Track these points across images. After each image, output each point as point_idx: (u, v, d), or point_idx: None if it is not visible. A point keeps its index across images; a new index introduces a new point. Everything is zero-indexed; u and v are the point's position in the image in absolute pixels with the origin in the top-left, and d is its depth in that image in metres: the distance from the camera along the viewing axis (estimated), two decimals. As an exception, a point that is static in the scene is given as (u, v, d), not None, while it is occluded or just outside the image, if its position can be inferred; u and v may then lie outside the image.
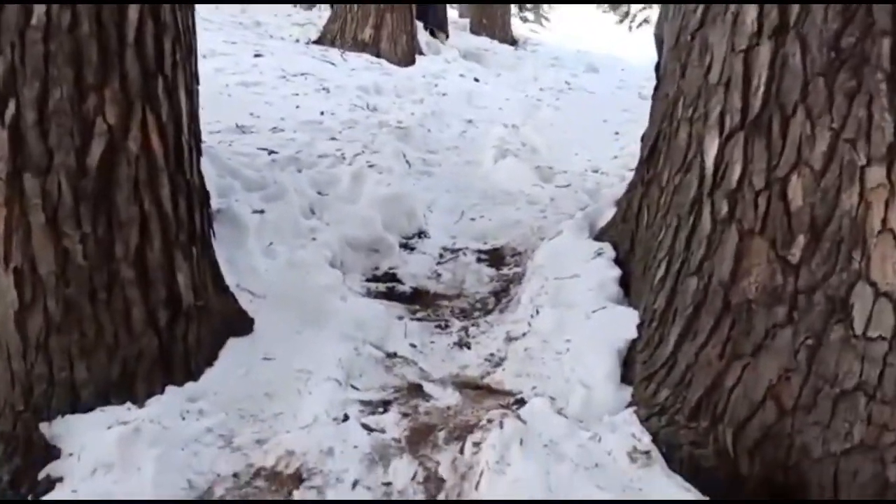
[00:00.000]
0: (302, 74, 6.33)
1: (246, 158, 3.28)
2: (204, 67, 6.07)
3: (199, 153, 2.35)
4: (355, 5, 8.10)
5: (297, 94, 5.77)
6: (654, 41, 2.61)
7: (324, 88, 6.04)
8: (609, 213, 2.60)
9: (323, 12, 9.30)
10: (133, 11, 1.97)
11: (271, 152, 3.49)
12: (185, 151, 2.17)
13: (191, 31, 2.29)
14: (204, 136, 3.82)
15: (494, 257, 2.94)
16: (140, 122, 2.01)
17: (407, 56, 8.13)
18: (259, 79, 6.05)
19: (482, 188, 3.74)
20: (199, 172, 2.30)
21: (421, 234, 3.06)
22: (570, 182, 3.70)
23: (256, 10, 9.08)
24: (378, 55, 7.95)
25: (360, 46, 7.99)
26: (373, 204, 3.00)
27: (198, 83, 2.38)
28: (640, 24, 20.60)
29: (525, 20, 26.02)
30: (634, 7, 20.30)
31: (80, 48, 1.89)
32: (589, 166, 4.27)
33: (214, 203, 2.50)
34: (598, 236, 2.53)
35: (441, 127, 5.58)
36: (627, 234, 2.36)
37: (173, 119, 2.11)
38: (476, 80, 7.87)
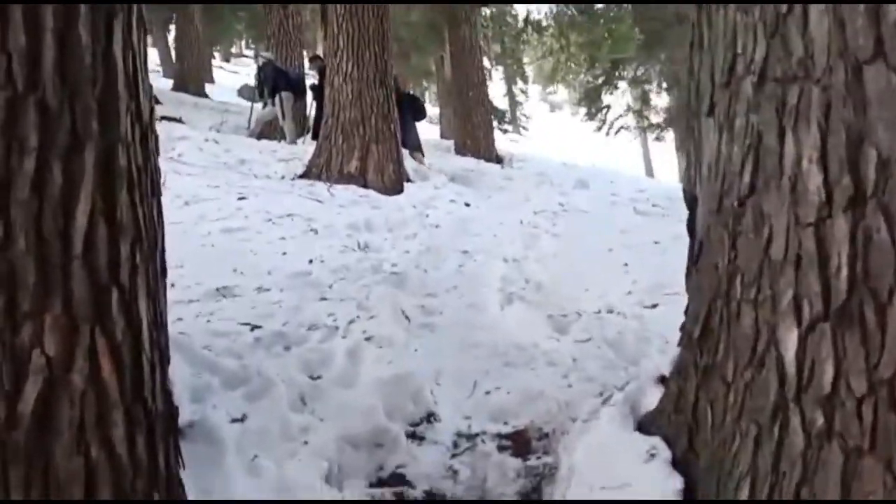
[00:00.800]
0: (288, 215, 6.06)
1: (226, 340, 2.89)
2: (186, 215, 5.82)
3: (166, 364, 1.95)
4: (340, 138, 7.99)
5: (283, 239, 5.48)
6: (682, 196, 2.30)
7: (312, 230, 5.76)
8: (652, 394, 2.20)
9: (308, 146, 9.22)
10: (82, 215, 1.62)
11: (254, 327, 3.10)
12: (146, 372, 1.77)
13: (154, 224, 1.95)
14: (181, 309, 3.49)
15: (518, 443, 2.50)
16: (87, 350, 1.62)
17: (395, 184, 7.96)
18: (243, 224, 5.77)
19: (492, 343, 3.35)
20: (166, 391, 1.89)
21: (430, 416, 2.63)
22: (590, 333, 3.31)
23: (241, 148, 8.96)
24: (365, 185, 7.77)
25: (347, 178, 7.82)
26: (373, 388, 2.59)
27: (164, 276, 2.02)
28: (617, 131, 20.96)
29: (504, 132, 26.61)
30: (611, 115, 20.72)
31: (13, 270, 1.53)
32: (603, 306, 3.90)
33: (186, 414, 2.09)
34: (645, 426, 2.11)
35: (437, 263, 5.26)
36: (684, 429, 1.95)
37: (130, 337, 1.72)
38: (467, 204, 7.67)
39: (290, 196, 6.72)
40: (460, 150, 10.87)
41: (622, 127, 19.61)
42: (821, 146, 1.64)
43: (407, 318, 3.61)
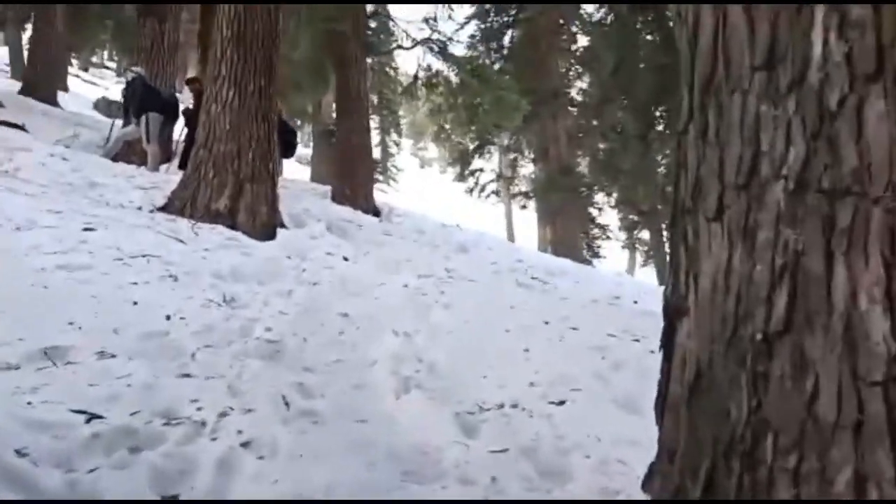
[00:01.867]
0: (143, 255, 5.21)
1: (50, 438, 2.14)
2: (16, 243, 4.84)
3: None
4: (211, 172, 7.20)
5: (135, 284, 4.65)
6: (661, 308, 1.91)
7: (170, 275, 4.95)
8: None
9: (172, 175, 8.29)
10: None
11: (92, 417, 2.35)
12: None
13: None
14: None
15: None
16: None
17: (267, 229, 7.25)
18: (87, 261, 4.87)
19: (388, 445, 2.80)
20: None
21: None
22: (503, 439, 2.84)
23: (93, 169, 7.90)
24: (234, 227, 7.01)
25: (214, 217, 7.03)
26: (252, 517, 1.96)
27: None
28: (488, 195, 21.23)
29: (376, 181, 26.25)
30: (483, 178, 20.95)
31: None
32: (507, 399, 3.46)
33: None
34: None
35: (314, 327, 4.64)
36: None
37: None
38: (345, 258, 7.09)
39: (148, 232, 5.85)
40: (337, 199, 10.28)
41: (493, 192, 19.83)
42: (885, 282, 1.30)
43: (286, 403, 2.98)
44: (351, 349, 4.37)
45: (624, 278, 10.25)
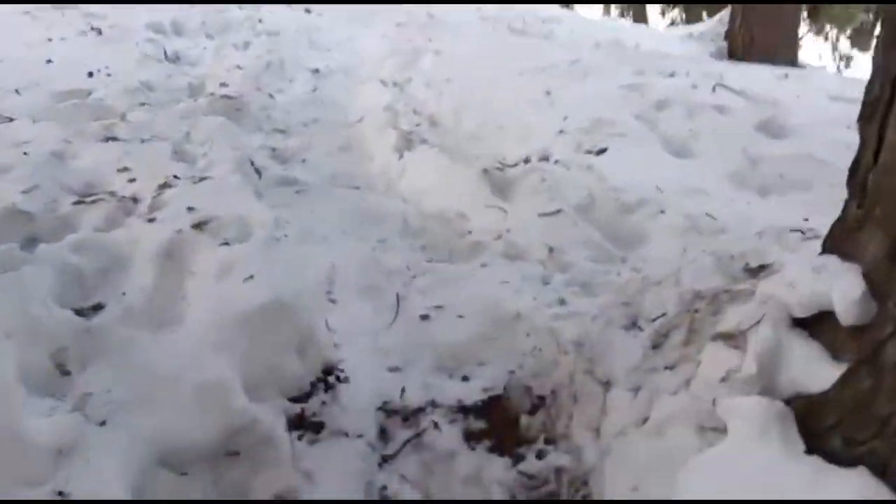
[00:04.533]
0: (56, 3, 4.09)
1: None
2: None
3: None
4: None
5: (49, 41, 3.61)
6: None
7: (93, 28, 3.88)
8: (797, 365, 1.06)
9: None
10: None
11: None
12: None
13: None
14: None
15: (499, 425, 1.34)
16: None
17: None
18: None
19: (398, 214, 2.08)
20: None
21: (329, 376, 1.36)
22: (545, 201, 2.10)
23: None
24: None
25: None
26: (215, 334, 1.24)
27: None
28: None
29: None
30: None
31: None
32: (534, 151, 2.70)
33: None
34: (815, 439, 0.98)
35: (281, 84, 3.72)
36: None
37: None
38: (307, 10, 5.91)
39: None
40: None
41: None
42: None
43: (257, 171, 2.19)
44: (330, 107, 3.50)
45: (616, 22, 9.08)
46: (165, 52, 3.78)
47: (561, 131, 2.93)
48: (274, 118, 3.11)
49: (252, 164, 2.15)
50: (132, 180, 1.77)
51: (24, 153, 1.85)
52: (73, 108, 2.47)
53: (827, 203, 1.15)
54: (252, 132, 2.86)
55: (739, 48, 6.01)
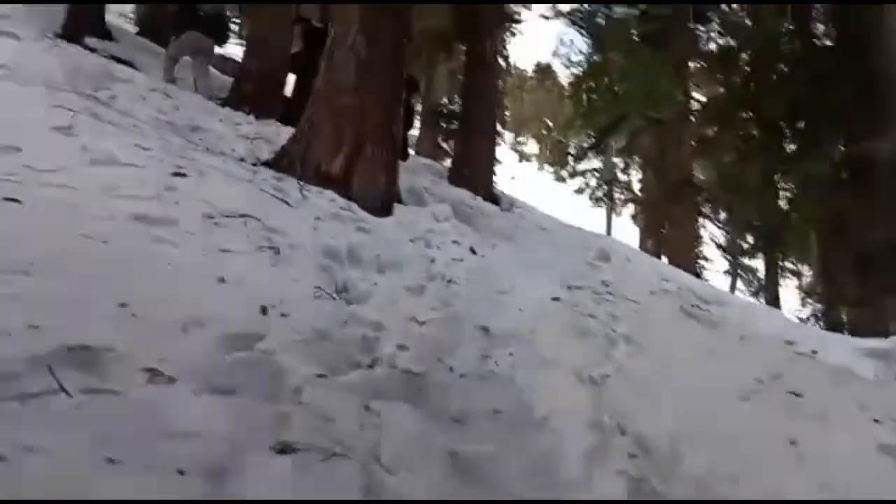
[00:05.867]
0: (241, 216, 3.93)
1: None
2: (86, 181, 3.54)
3: None
4: (328, 127, 5.89)
5: (226, 252, 3.37)
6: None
7: (271, 247, 3.65)
8: None
9: (282, 128, 7.05)
10: None
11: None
12: None
13: None
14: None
15: None
16: None
17: (385, 202, 5.89)
18: (170, 213, 3.61)
19: None
20: None
21: None
22: None
23: (195, 111, 6.74)
24: (348, 196, 5.69)
25: (325, 180, 5.70)
26: None
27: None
28: (598, 199, 19.44)
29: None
30: (593, 181, 19.17)
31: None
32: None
33: None
34: None
35: (457, 348, 3.24)
36: None
37: None
38: (473, 251, 5.69)
39: (249, 187, 4.58)
40: (455, 179, 8.86)
41: (605, 194, 18.12)
42: None
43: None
44: (509, 389, 2.95)
45: (776, 314, 8.44)
46: (336, 286, 3.44)
47: (825, 508, 2.19)
48: (451, 401, 2.57)
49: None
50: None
51: (180, 473, 1.33)
52: (243, 369, 2.00)
53: None
54: (431, 419, 2.32)
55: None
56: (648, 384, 2.95)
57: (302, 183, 5.32)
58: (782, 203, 17.23)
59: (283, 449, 1.52)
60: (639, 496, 1.98)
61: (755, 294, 20.86)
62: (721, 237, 21.05)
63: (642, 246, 19.14)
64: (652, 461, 2.36)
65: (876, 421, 3.09)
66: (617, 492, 1.97)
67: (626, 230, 23.08)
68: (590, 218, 28.01)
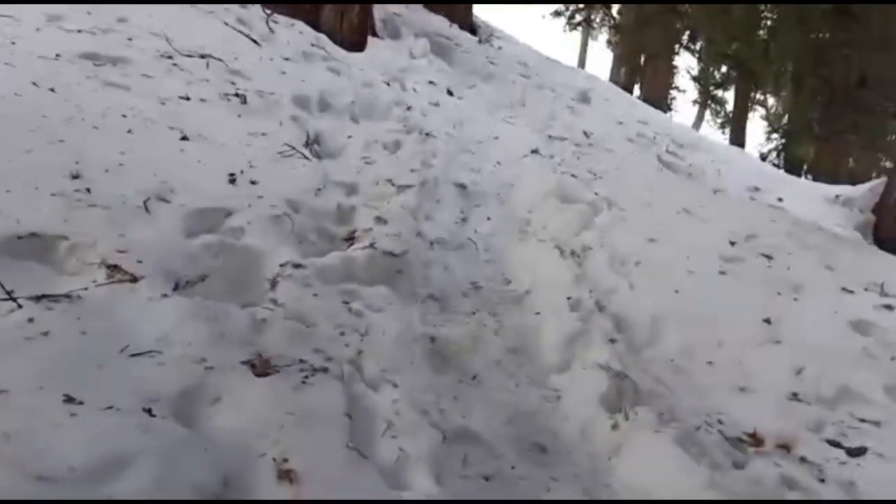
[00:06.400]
0: (201, 56, 3.55)
1: None
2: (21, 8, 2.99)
3: None
4: (295, -53, 5.26)
5: (187, 100, 3.06)
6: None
7: (236, 94, 3.33)
8: None
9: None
10: None
11: None
12: None
13: None
14: None
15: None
16: None
17: (357, 37, 5.43)
18: (123, 54, 3.25)
19: None
20: None
21: None
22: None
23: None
24: (317, 27, 5.21)
25: (293, 8, 5.19)
26: None
27: None
28: (578, 23, 18.45)
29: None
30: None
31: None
32: (770, 435, 2.00)
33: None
34: None
35: (434, 212, 3.11)
36: None
37: None
38: (450, 92, 5.36)
39: (211, 20, 4.12)
40: (430, 4, 8.19)
41: (585, 20, 17.24)
42: None
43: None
44: (489, 261, 2.86)
45: (744, 158, 8.31)
46: (307, 139, 3.19)
47: (794, 396, 2.23)
48: (432, 279, 2.48)
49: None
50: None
51: (147, 412, 1.21)
52: (209, 256, 1.85)
53: None
54: (411, 301, 2.23)
55: (891, 228, 5.27)
56: (629, 257, 2.88)
57: (269, 12, 4.82)
58: (762, 33, 16.59)
59: (262, 371, 1.42)
60: (617, 395, 1.97)
61: (722, 126, 20.72)
62: (696, 68, 20.47)
63: (614, 76, 18.54)
64: (631, 347, 2.34)
65: (845, 290, 3.07)
66: (596, 391, 1.95)
67: (600, 56, 22.20)
68: (565, 41, 26.78)
